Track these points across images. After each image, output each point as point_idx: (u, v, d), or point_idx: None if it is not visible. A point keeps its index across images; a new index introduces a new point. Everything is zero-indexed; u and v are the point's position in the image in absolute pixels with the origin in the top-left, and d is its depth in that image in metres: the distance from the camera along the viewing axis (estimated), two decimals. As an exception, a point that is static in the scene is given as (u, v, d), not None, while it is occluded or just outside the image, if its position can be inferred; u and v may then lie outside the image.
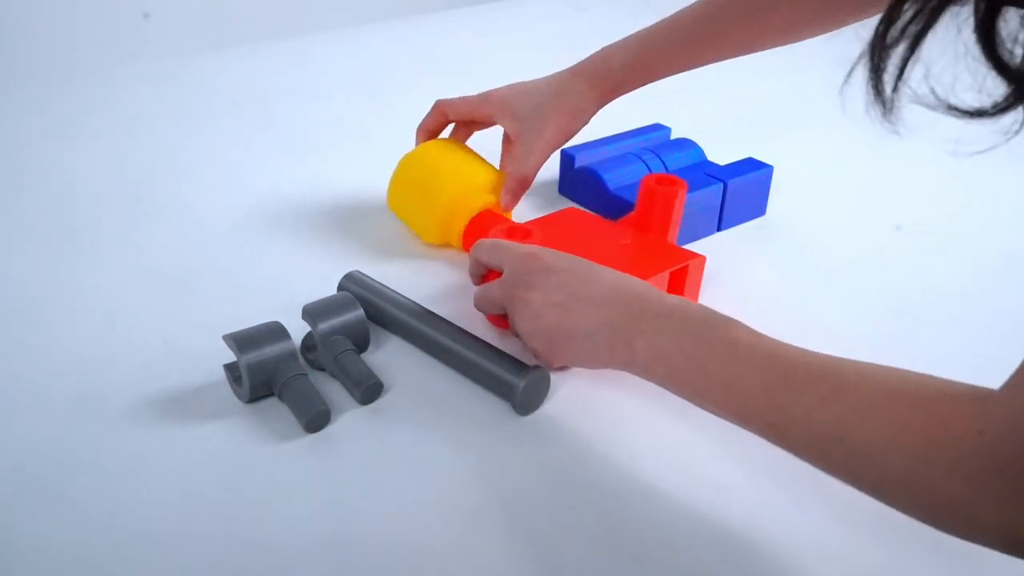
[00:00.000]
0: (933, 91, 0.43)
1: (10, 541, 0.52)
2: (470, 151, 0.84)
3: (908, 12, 0.41)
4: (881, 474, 0.44)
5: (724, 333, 0.53)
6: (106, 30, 2.22)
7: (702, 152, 0.92)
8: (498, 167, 0.85)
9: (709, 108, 1.17)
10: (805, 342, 0.62)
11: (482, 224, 0.78)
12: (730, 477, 0.58)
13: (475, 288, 0.69)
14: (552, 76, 0.86)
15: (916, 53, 0.41)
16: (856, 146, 1.08)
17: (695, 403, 0.54)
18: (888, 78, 0.43)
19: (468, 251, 0.74)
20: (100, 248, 0.82)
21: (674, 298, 0.57)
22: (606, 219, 0.81)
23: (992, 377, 0.44)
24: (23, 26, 2.15)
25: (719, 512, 0.55)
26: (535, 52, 1.37)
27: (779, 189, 0.91)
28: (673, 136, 0.98)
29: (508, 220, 0.77)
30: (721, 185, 0.85)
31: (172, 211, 0.89)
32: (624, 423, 0.62)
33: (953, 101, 0.43)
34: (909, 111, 0.44)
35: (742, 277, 0.79)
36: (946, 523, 0.43)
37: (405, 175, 0.82)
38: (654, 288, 0.59)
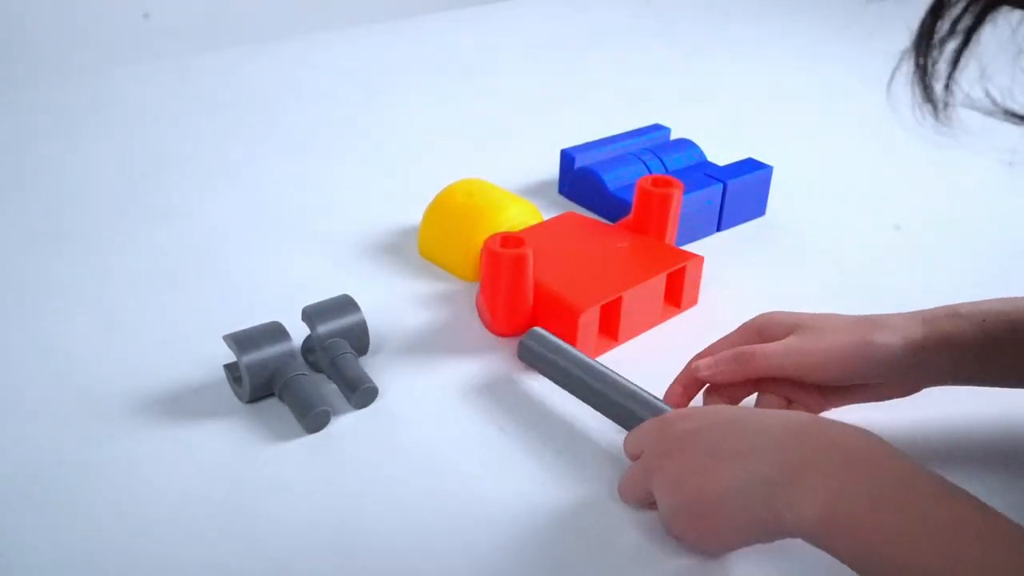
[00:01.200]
0: (988, 94, 0.37)
1: (10, 541, 0.52)
2: (495, 187, 0.82)
3: (959, 5, 0.35)
4: None
5: (943, 510, 0.40)
6: (106, 30, 2.22)
7: (702, 152, 0.92)
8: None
9: (709, 108, 1.17)
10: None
11: (493, 242, 0.74)
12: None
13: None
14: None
15: (968, 50, 0.36)
16: (856, 146, 1.08)
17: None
18: (939, 77, 0.37)
19: (481, 270, 0.69)
20: (100, 248, 0.82)
21: (846, 433, 0.44)
22: (603, 223, 0.81)
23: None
24: (23, 26, 2.15)
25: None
26: (535, 52, 1.37)
27: (779, 189, 0.92)
28: (673, 136, 0.98)
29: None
30: (721, 185, 0.85)
31: (172, 211, 0.89)
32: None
33: (1011, 106, 0.37)
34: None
35: (742, 277, 0.79)
36: None
37: (434, 220, 0.80)
38: (816, 420, 0.46)
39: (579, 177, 0.90)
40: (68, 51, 2.14)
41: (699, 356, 0.62)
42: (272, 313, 0.66)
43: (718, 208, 0.86)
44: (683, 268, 0.73)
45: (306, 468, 0.58)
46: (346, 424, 0.61)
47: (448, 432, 0.61)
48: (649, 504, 0.53)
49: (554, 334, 0.66)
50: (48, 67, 2.08)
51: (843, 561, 0.42)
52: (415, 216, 0.84)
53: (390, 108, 1.15)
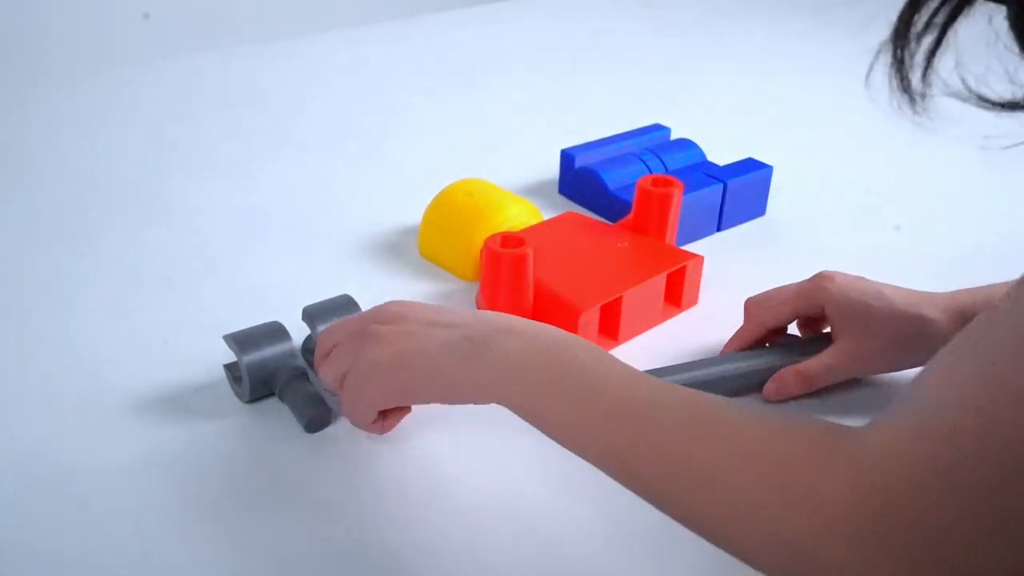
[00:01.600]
0: (964, 81, 0.40)
1: (10, 540, 0.52)
2: (495, 187, 0.82)
3: (934, 1, 0.38)
4: (728, 502, 0.41)
5: (583, 354, 0.49)
6: (106, 30, 2.22)
7: (702, 152, 0.92)
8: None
9: (709, 108, 1.17)
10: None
11: (493, 242, 0.74)
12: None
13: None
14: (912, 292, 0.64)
15: (943, 44, 0.38)
16: (856, 146, 1.08)
17: (542, 426, 0.50)
18: (916, 68, 0.40)
19: (484, 268, 0.69)
20: (100, 248, 0.82)
21: (534, 323, 0.53)
22: (603, 222, 0.81)
23: None
24: (23, 26, 2.15)
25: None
26: (535, 52, 1.37)
27: (779, 189, 0.91)
28: (673, 136, 0.98)
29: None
30: (721, 185, 0.85)
31: (172, 211, 0.89)
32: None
33: (985, 92, 0.40)
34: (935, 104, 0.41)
35: (742, 277, 0.79)
36: (783, 566, 0.39)
37: (434, 220, 0.80)
38: (523, 318, 0.54)
39: (579, 177, 0.90)
40: (68, 51, 2.14)
41: (756, 301, 0.68)
42: (272, 313, 0.66)
43: (718, 208, 0.86)
44: (683, 268, 0.73)
45: (306, 468, 0.58)
46: (346, 424, 0.61)
47: (448, 432, 0.61)
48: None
49: None
50: (48, 67, 2.08)
51: (513, 409, 0.50)
52: (415, 216, 0.84)
53: (390, 108, 1.15)
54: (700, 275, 0.75)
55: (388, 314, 0.55)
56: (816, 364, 0.63)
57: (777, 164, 0.91)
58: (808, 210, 0.92)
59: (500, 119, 1.13)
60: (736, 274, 0.80)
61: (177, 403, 0.63)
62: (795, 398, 0.64)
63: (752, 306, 0.68)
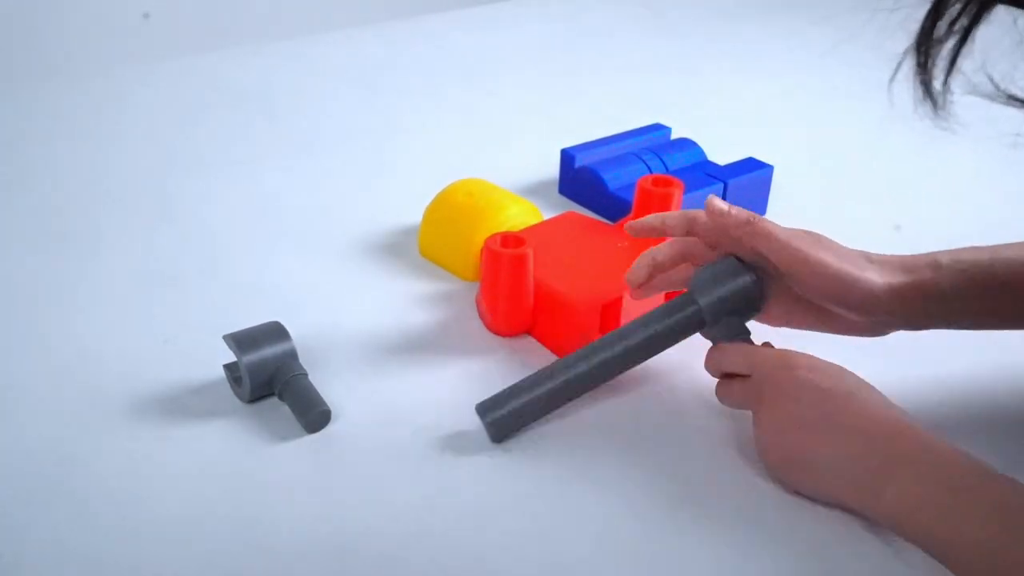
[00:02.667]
0: (991, 79, 0.40)
1: (10, 540, 0.52)
2: (495, 187, 0.82)
3: (956, 5, 0.38)
4: None
5: (988, 489, 0.47)
6: (106, 30, 2.22)
7: (702, 152, 0.92)
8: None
9: (709, 108, 1.17)
10: (804, 343, 0.62)
11: (493, 242, 0.74)
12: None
13: (717, 380, 0.60)
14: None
15: (966, 47, 0.38)
16: (856, 146, 1.08)
17: (953, 569, 0.47)
18: (938, 73, 0.40)
19: (483, 266, 0.69)
20: (100, 247, 0.82)
21: (941, 443, 0.50)
22: (604, 222, 0.81)
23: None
24: (23, 26, 2.15)
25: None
26: (535, 52, 1.37)
27: (779, 189, 0.91)
28: (673, 136, 0.98)
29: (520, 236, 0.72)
30: (721, 185, 0.85)
31: (172, 211, 0.89)
32: (636, 434, 0.62)
33: (1012, 90, 0.40)
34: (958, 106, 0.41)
35: (742, 277, 0.79)
36: None
37: (434, 220, 0.80)
38: (918, 426, 0.51)
39: (579, 177, 0.90)
40: (68, 51, 2.14)
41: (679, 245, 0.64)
42: (272, 313, 0.66)
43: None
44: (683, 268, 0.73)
45: (306, 468, 0.58)
46: (346, 424, 0.61)
47: (448, 432, 0.61)
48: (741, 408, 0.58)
49: (553, 333, 0.66)
50: (48, 67, 2.08)
51: (922, 548, 0.48)
52: (415, 216, 0.84)
53: (390, 108, 1.15)
54: (700, 275, 0.75)
55: (788, 379, 0.54)
56: (767, 222, 0.59)
57: (777, 164, 0.91)
58: (808, 210, 0.92)
59: (500, 119, 1.13)
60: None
61: (177, 403, 0.63)
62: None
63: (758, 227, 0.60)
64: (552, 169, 0.96)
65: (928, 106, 0.42)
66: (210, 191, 0.93)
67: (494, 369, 0.67)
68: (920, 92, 0.41)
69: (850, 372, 0.55)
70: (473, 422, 0.62)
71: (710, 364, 0.61)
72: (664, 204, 0.75)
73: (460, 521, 0.54)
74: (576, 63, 1.33)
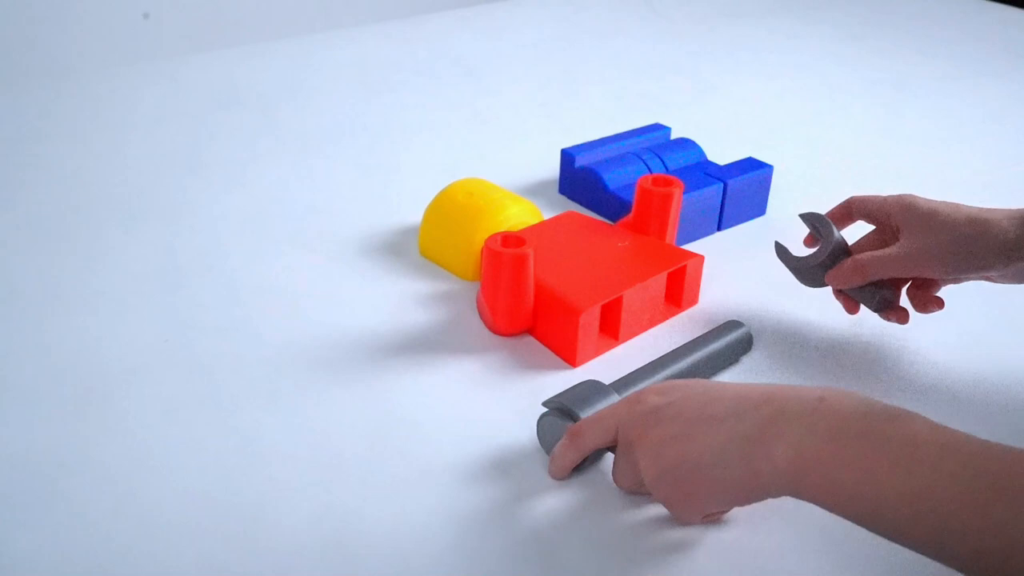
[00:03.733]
0: None
1: (10, 540, 0.52)
2: (495, 187, 0.82)
3: None
4: None
5: (897, 429, 0.43)
6: (106, 30, 2.22)
7: (702, 152, 0.92)
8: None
9: (709, 108, 1.17)
10: (804, 343, 0.62)
11: (494, 241, 0.71)
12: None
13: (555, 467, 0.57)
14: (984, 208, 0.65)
15: None
16: (856, 146, 1.08)
17: (866, 525, 0.44)
18: None
19: (482, 266, 0.68)
20: (100, 248, 0.82)
21: (813, 390, 0.48)
22: (604, 222, 0.81)
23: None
24: (23, 26, 2.15)
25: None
26: (535, 52, 1.37)
27: (779, 189, 0.92)
28: (673, 136, 0.98)
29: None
30: (721, 185, 0.85)
31: (172, 211, 0.89)
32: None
33: None
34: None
35: (742, 277, 0.79)
36: None
37: (435, 220, 0.80)
38: (785, 386, 0.49)
39: (579, 176, 0.90)
40: (68, 51, 2.14)
41: (854, 200, 0.70)
42: (272, 313, 0.66)
43: (718, 208, 0.86)
44: (684, 267, 0.73)
45: (306, 467, 0.58)
46: (346, 424, 0.61)
47: (448, 431, 0.61)
48: (643, 488, 0.54)
49: (553, 333, 0.66)
50: (48, 67, 2.08)
51: (827, 507, 0.45)
52: (415, 216, 0.84)
53: (390, 108, 1.15)
54: (700, 275, 0.75)
55: (642, 413, 0.52)
56: (873, 255, 0.66)
57: (777, 164, 0.91)
58: (808, 210, 0.92)
59: (500, 119, 1.13)
60: (736, 274, 0.80)
61: (177, 403, 0.63)
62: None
63: (854, 200, 0.70)
64: (552, 169, 0.96)
65: None
66: (210, 191, 0.93)
67: (494, 369, 0.67)
68: None
69: (696, 380, 0.54)
70: (473, 422, 0.62)
71: (556, 466, 0.57)
72: (664, 204, 0.75)
73: (460, 521, 0.54)
74: (576, 63, 1.33)
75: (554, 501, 0.56)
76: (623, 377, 0.63)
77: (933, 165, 1.03)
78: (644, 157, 0.89)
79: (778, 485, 0.46)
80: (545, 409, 0.60)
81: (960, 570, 0.41)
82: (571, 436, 0.56)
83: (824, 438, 0.44)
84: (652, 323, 0.73)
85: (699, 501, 0.51)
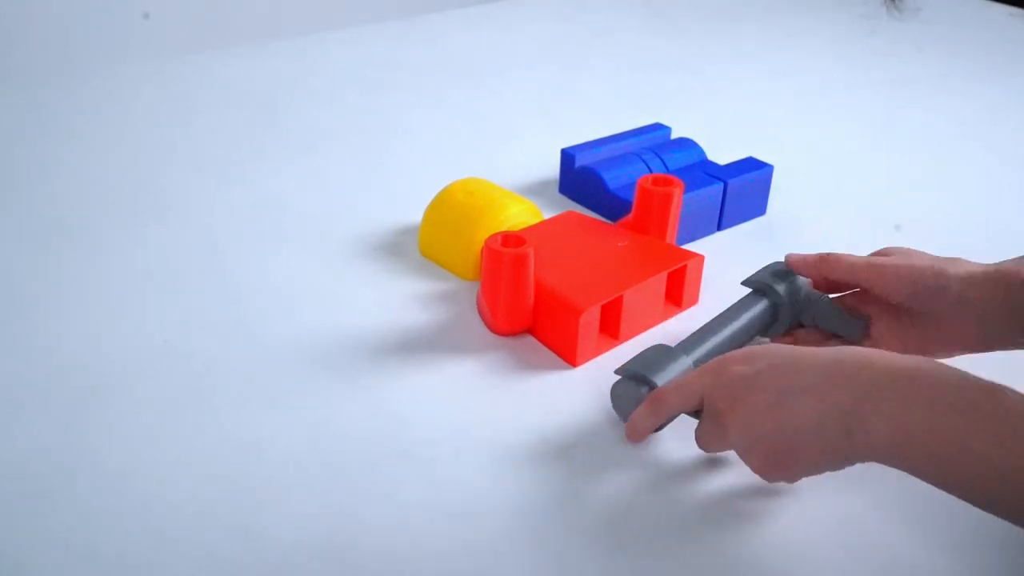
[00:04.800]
0: None
1: (10, 540, 0.52)
2: (495, 186, 0.82)
3: None
4: None
5: (994, 402, 0.44)
6: (106, 30, 2.22)
7: (702, 152, 0.92)
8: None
9: (709, 108, 1.17)
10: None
11: (494, 241, 0.71)
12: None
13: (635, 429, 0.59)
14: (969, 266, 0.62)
15: None
16: (856, 146, 1.08)
17: (961, 496, 0.45)
18: None
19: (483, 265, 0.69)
20: (100, 247, 0.82)
21: (908, 359, 0.48)
22: (604, 222, 0.81)
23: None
24: (23, 25, 2.15)
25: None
26: (535, 52, 1.37)
27: (779, 189, 0.91)
28: (673, 136, 0.98)
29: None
30: (721, 185, 0.85)
31: (172, 211, 0.89)
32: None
33: None
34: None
35: (742, 276, 0.79)
36: None
37: (435, 219, 0.80)
38: (876, 352, 0.49)
39: (580, 176, 0.90)
40: (68, 51, 2.14)
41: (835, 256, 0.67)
42: (272, 312, 0.66)
43: (718, 207, 0.86)
44: (684, 267, 0.73)
45: (306, 468, 0.57)
46: (346, 424, 0.61)
47: (448, 431, 0.61)
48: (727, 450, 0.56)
49: (553, 333, 0.67)
50: (48, 67, 2.08)
51: (922, 477, 0.45)
52: (415, 216, 0.84)
53: (390, 108, 1.15)
54: (701, 274, 0.75)
55: (730, 383, 0.53)
56: (842, 254, 0.65)
57: (777, 164, 0.91)
58: (808, 210, 0.92)
59: (500, 119, 1.13)
60: (737, 273, 0.79)
61: (177, 403, 0.63)
62: None
63: (831, 258, 0.66)
64: (552, 169, 0.96)
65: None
66: (209, 191, 0.93)
67: (494, 369, 0.67)
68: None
69: (777, 346, 0.54)
70: (473, 422, 0.62)
71: (635, 430, 0.59)
72: (664, 204, 0.75)
73: (460, 520, 0.54)
74: (576, 63, 1.33)
75: (554, 500, 0.56)
76: (687, 339, 0.64)
77: (933, 164, 1.03)
78: (644, 157, 0.89)
79: (875, 456, 0.47)
80: (618, 377, 0.61)
81: None
82: (652, 403, 0.58)
83: (921, 412, 0.45)
84: (652, 323, 0.73)
85: (793, 468, 0.51)
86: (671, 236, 0.77)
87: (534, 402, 0.64)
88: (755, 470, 0.53)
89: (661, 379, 0.59)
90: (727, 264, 0.80)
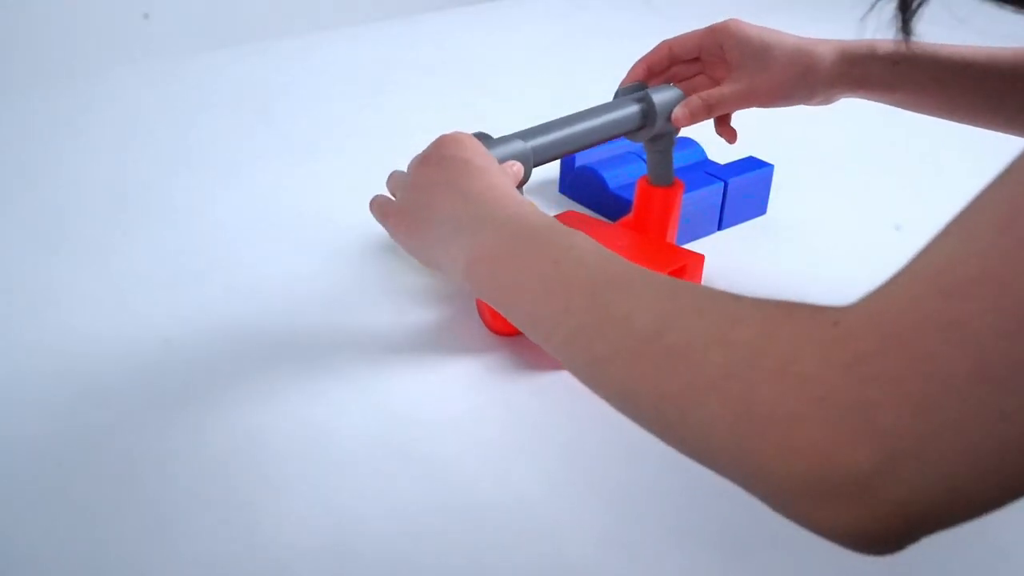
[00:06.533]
0: None
1: (10, 540, 0.52)
2: None
3: None
4: (692, 375, 0.36)
5: (561, 239, 0.47)
6: (106, 30, 2.22)
7: (702, 151, 0.92)
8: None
9: (709, 108, 1.17)
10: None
11: None
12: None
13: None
14: (805, 37, 0.74)
15: None
16: (856, 146, 1.08)
17: (514, 317, 0.47)
18: None
19: None
20: (100, 247, 0.82)
21: (537, 211, 0.52)
22: (604, 221, 0.81)
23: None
24: (23, 26, 2.15)
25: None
26: (535, 52, 1.37)
27: (779, 188, 0.91)
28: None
29: None
30: (721, 184, 0.85)
31: (172, 211, 0.89)
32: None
33: None
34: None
35: (742, 276, 0.79)
36: (748, 447, 0.33)
37: None
38: (523, 200, 0.54)
39: (580, 176, 0.90)
40: (68, 51, 2.14)
41: (669, 43, 0.78)
42: (272, 313, 0.66)
43: (719, 207, 0.86)
44: (684, 267, 0.73)
45: (306, 467, 0.57)
46: (346, 423, 0.61)
47: (448, 431, 0.61)
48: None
49: None
50: (48, 67, 2.08)
51: (486, 299, 0.50)
52: (415, 215, 0.84)
53: (390, 108, 1.15)
54: (701, 274, 0.75)
55: (436, 151, 0.58)
56: (716, 93, 0.72)
57: (778, 163, 0.91)
58: (808, 209, 0.92)
59: (500, 119, 1.13)
60: (737, 273, 0.80)
61: (178, 403, 0.63)
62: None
63: (663, 42, 0.77)
64: (552, 168, 0.96)
65: (899, 35, 0.42)
66: (209, 190, 0.93)
67: (494, 369, 0.67)
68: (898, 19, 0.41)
69: (488, 154, 0.58)
70: (473, 422, 0.62)
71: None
72: (665, 203, 0.75)
73: (460, 520, 0.54)
74: (576, 63, 1.33)
75: (555, 499, 0.56)
76: (534, 127, 0.69)
77: (933, 164, 1.03)
78: (644, 156, 0.89)
79: (460, 275, 0.52)
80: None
81: (566, 351, 0.44)
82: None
83: (503, 239, 0.50)
84: (652, 323, 0.73)
85: (415, 239, 0.57)
86: (671, 236, 0.77)
87: (534, 402, 0.64)
88: (390, 219, 0.60)
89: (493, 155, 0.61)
90: (727, 264, 0.80)
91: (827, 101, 0.74)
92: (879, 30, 0.45)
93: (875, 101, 0.74)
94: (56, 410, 0.62)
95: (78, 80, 1.22)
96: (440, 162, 0.57)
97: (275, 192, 0.93)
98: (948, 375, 0.30)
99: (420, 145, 0.88)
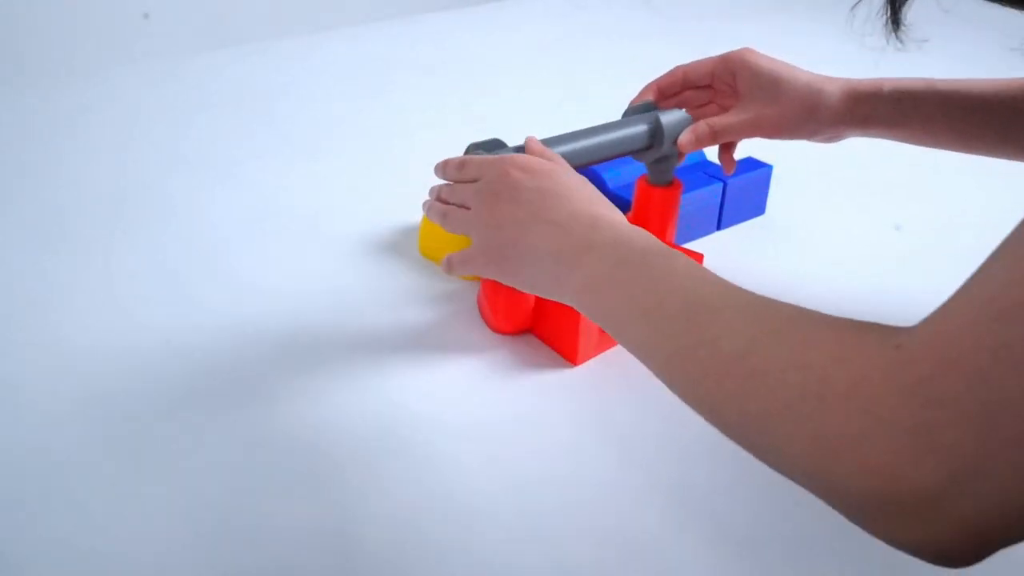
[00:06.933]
0: None
1: (10, 540, 0.52)
2: None
3: None
4: (771, 397, 0.38)
5: (662, 263, 0.49)
6: (106, 30, 2.22)
7: (702, 152, 0.92)
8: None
9: (709, 108, 1.17)
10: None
11: None
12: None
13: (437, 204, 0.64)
14: (816, 74, 0.75)
15: None
16: (856, 146, 1.08)
17: (621, 341, 0.49)
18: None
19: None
20: (100, 248, 0.82)
21: (631, 229, 0.53)
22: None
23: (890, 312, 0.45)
24: (23, 26, 2.15)
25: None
26: (535, 52, 1.37)
27: (779, 188, 0.92)
28: (673, 136, 0.98)
29: None
30: (720, 184, 0.85)
31: (173, 211, 0.89)
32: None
33: None
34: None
35: (741, 276, 0.78)
36: (823, 466, 0.36)
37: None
38: (617, 218, 0.55)
39: (579, 176, 0.90)
40: (68, 51, 2.14)
41: (683, 68, 0.77)
42: (272, 312, 0.66)
43: (718, 207, 0.86)
44: (683, 267, 0.73)
45: (306, 466, 0.58)
46: (346, 423, 0.61)
47: (449, 430, 0.61)
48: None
49: (554, 332, 0.67)
50: (48, 67, 2.08)
51: (599, 322, 0.51)
52: (415, 216, 0.84)
53: (390, 108, 1.15)
54: (700, 274, 0.75)
55: (507, 184, 0.58)
56: (723, 120, 0.71)
57: (777, 163, 0.91)
58: (808, 210, 0.92)
59: (500, 119, 1.13)
60: (736, 273, 0.79)
61: (179, 403, 0.63)
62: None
63: (678, 67, 0.77)
64: (552, 169, 0.96)
65: (888, 25, 0.44)
66: (209, 190, 0.93)
67: (495, 368, 0.67)
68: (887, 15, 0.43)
69: (565, 170, 0.59)
70: (474, 421, 0.62)
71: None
72: (664, 203, 0.75)
73: (460, 520, 0.54)
74: (576, 62, 1.33)
75: (556, 498, 0.56)
76: (553, 137, 0.69)
77: (933, 164, 1.03)
78: (644, 157, 0.89)
79: (572, 302, 0.53)
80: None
81: (665, 372, 0.46)
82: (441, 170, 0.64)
83: (608, 267, 0.51)
84: (652, 322, 0.73)
85: (515, 278, 0.57)
86: (670, 236, 0.77)
87: (535, 401, 0.64)
88: (477, 262, 0.58)
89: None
90: (726, 264, 0.80)
91: (833, 139, 0.74)
92: (868, 20, 0.46)
93: (884, 139, 0.74)
94: (56, 410, 0.62)
95: (78, 80, 1.22)
96: (515, 197, 0.57)
97: (275, 192, 0.93)
98: (1003, 395, 0.32)
99: (420, 145, 0.88)
